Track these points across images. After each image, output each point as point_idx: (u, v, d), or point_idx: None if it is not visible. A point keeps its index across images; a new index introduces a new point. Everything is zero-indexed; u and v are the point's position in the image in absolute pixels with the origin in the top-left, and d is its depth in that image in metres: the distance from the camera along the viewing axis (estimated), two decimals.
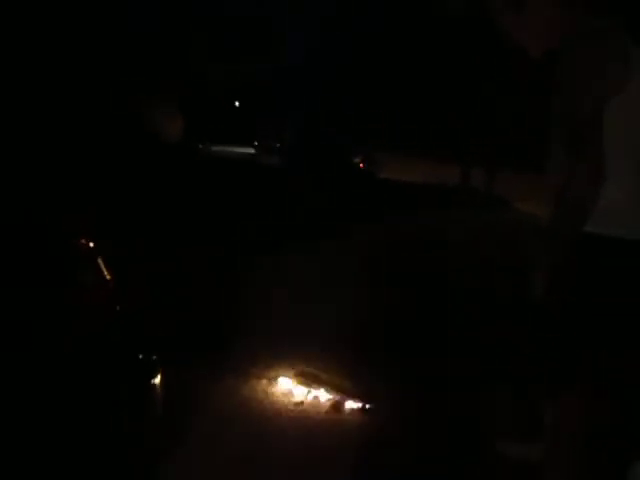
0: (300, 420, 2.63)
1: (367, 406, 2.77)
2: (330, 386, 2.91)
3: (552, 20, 1.98)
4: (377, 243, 6.45)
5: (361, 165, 15.15)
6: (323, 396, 2.83)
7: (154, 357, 1.48)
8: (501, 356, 2.30)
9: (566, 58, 1.88)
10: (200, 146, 17.43)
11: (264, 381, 2.95)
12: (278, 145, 17.80)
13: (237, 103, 24.75)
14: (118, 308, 1.55)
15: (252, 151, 17.15)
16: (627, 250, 1.84)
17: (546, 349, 2.00)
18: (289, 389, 2.89)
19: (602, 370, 1.95)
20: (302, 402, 2.79)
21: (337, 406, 2.77)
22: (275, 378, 2.96)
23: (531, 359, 2.10)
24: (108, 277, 1.49)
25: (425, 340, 3.58)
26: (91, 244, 1.45)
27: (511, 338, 2.16)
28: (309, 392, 2.86)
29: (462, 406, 2.74)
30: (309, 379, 2.96)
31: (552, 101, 1.97)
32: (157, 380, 1.47)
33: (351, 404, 2.78)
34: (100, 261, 1.49)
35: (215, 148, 17.32)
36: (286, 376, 2.97)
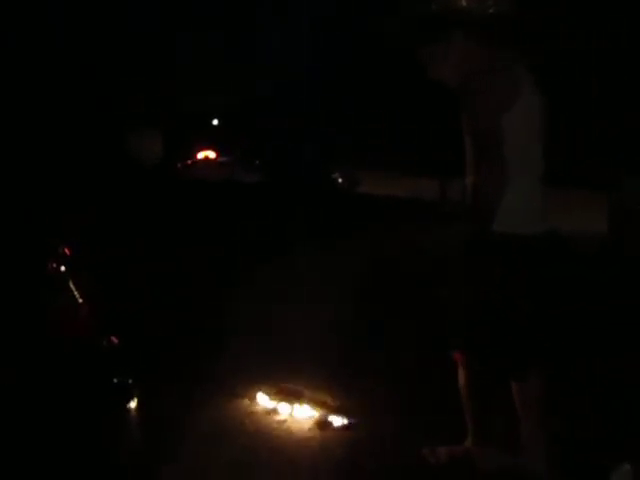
0: (284, 438, 2.61)
1: (351, 422, 2.75)
2: (314, 403, 2.88)
3: (469, 53, 2.23)
4: (354, 258, 6.48)
5: (339, 180, 15.21)
6: (307, 413, 2.81)
7: (130, 381, 1.45)
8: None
9: (473, 86, 2.17)
10: (179, 165, 17.39)
11: (246, 400, 2.92)
12: (257, 162, 17.83)
13: (215, 121, 24.72)
14: (92, 332, 1.53)
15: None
16: (521, 243, 2.14)
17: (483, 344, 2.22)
18: (272, 407, 2.85)
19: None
20: (285, 420, 2.77)
21: (321, 423, 2.74)
22: (257, 396, 2.93)
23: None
24: (80, 301, 1.47)
25: (408, 355, 3.58)
26: (62, 268, 1.43)
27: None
28: (292, 409, 2.83)
29: (446, 419, 2.73)
30: (292, 396, 2.93)
31: (463, 120, 2.24)
32: (133, 404, 1.44)
33: (335, 421, 2.75)
34: (72, 285, 1.46)
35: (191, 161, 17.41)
36: (268, 394, 2.93)
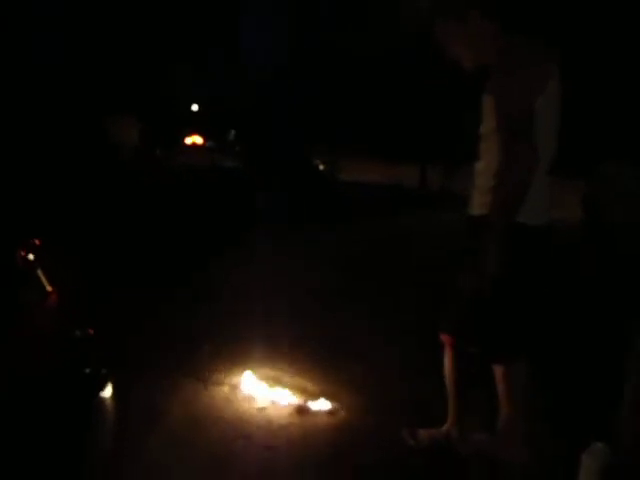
0: (264, 426, 2.60)
1: (331, 408, 2.76)
2: (293, 389, 2.88)
3: (486, 33, 2.14)
4: (336, 244, 6.48)
5: (321, 167, 15.19)
6: (286, 400, 2.80)
7: (103, 371, 1.43)
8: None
9: (502, 66, 2.12)
10: (157, 151, 17.20)
11: (225, 387, 2.90)
12: (237, 148, 17.73)
13: (195, 107, 24.46)
14: (62, 322, 1.49)
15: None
16: (530, 234, 2.13)
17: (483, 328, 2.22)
18: (251, 394, 2.84)
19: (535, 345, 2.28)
20: (265, 407, 2.76)
21: (301, 409, 2.74)
22: (236, 383, 2.92)
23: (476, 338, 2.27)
24: (49, 289, 1.43)
25: (390, 340, 3.60)
26: (30, 256, 1.39)
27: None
28: (272, 396, 2.83)
29: (428, 404, 2.75)
30: (272, 382, 2.93)
31: (484, 102, 2.13)
32: (107, 393, 1.42)
33: (315, 406, 2.75)
34: (40, 273, 1.43)
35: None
36: (248, 381, 2.92)
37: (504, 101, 2.10)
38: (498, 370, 2.31)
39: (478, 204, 2.24)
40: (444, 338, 2.38)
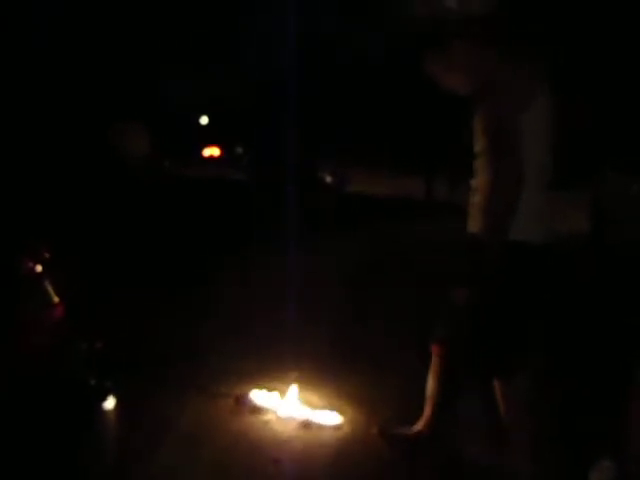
0: (269, 439, 2.59)
1: (336, 422, 2.74)
2: (298, 402, 2.87)
3: (472, 58, 2.24)
4: (340, 256, 6.47)
5: (328, 179, 15.21)
6: (291, 413, 2.79)
7: (107, 383, 1.44)
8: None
9: (485, 84, 2.14)
10: (167, 164, 17.29)
11: (230, 400, 2.90)
12: (245, 160, 17.83)
13: (204, 119, 24.60)
14: (67, 333, 1.50)
15: None
16: (528, 252, 2.12)
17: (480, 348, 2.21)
18: (256, 407, 2.84)
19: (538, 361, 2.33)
20: (270, 420, 2.75)
21: (306, 423, 2.73)
22: (242, 396, 2.91)
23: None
24: (56, 301, 1.44)
25: (396, 354, 3.58)
26: (38, 267, 1.40)
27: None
28: (277, 410, 2.82)
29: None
30: (277, 396, 2.92)
31: (475, 122, 2.14)
32: (109, 404, 1.43)
33: (320, 420, 2.74)
34: (48, 285, 1.44)
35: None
36: (254, 393, 2.91)
37: (487, 119, 2.13)
38: (497, 386, 2.30)
39: (474, 221, 2.23)
40: (433, 348, 2.38)
